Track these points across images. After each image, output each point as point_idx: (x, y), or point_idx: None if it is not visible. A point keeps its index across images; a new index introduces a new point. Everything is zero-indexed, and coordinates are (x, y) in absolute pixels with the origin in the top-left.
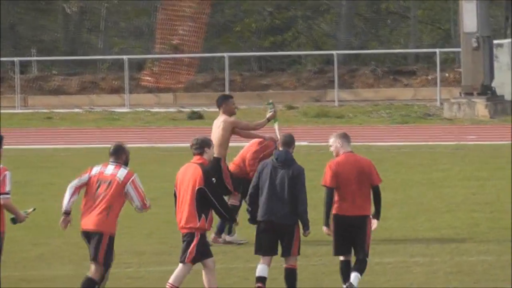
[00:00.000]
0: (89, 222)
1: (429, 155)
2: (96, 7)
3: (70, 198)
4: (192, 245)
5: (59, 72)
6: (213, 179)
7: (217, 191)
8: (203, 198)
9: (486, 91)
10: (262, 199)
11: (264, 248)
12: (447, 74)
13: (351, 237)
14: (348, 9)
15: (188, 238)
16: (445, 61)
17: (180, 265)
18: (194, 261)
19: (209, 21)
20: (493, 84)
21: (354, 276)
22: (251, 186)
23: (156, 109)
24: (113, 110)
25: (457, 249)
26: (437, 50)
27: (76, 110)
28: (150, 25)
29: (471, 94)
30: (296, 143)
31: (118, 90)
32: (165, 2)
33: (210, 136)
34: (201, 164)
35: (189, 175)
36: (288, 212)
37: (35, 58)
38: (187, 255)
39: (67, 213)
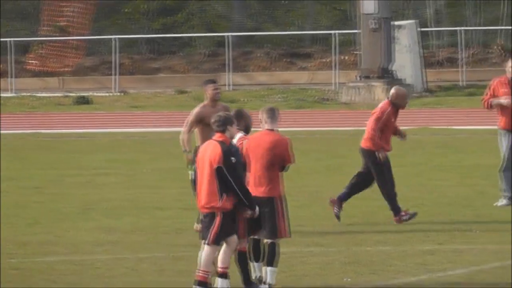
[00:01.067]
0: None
1: (325, 142)
2: None
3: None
4: (215, 226)
5: None
6: (233, 158)
7: (236, 172)
8: (222, 177)
9: (385, 74)
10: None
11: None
12: (344, 57)
13: (258, 219)
14: None
15: (209, 218)
16: (343, 44)
17: (206, 247)
18: (217, 241)
19: (97, 2)
20: (392, 67)
21: (265, 272)
22: None
23: (42, 94)
24: None
25: (353, 239)
26: (335, 32)
27: None
28: (36, 6)
29: (369, 77)
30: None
31: (2, 74)
32: None
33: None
34: (221, 142)
35: (208, 152)
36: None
37: None
38: (210, 236)
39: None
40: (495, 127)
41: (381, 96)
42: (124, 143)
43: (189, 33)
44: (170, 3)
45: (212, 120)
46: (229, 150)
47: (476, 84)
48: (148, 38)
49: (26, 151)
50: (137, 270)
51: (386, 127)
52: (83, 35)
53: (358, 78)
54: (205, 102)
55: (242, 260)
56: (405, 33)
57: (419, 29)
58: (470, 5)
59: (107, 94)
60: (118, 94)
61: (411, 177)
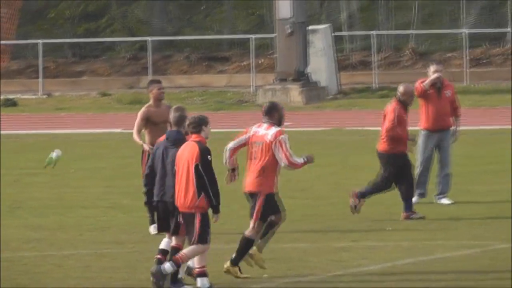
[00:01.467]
0: (249, 183)
1: None
2: None
3: (230, 158)
4: (197, 225)
5: None
6: (209, 156)
7: (211, 171)
8: (199, 175)
9: (300, 77)
10: (157, 179)
11: (162, 226)
12: (261, 60)
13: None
14: None
15: (189, 217)
16: (260, 47)
17: (193, 246)
18: (202, 240)
19: (22, 7)
20: (307, 70)
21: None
22: (147, 167)
23: None
24: None
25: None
26: (252, 36)
27: None
28: None
29: (285, 80)
30: (110, 130)
31: None
32: None
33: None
34: (198, 142)
35: (186, 153)
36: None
37: None
38: (195, 237)
39: (232, 169)
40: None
41: (297, 98)
42: (50, 144)
43: (111, 37)
44: (93, 9)
45: (187, 122)
46: (206, 149)
47: (388, 87)
48: (72, 42)
49: None
50: (62, 267)
51: (400, 125)
52: (9, 40)
53: (275, 81)
54: (150, 102)
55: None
56: (320, 37)
57: (333, 33)
58: (383, 10)
59: (33, 97)
60: (44, 96)
61: (326, 176)
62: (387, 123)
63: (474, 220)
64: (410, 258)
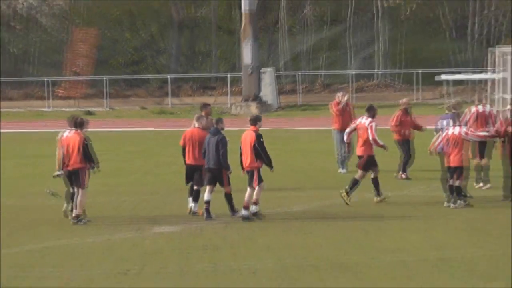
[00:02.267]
0: (358, 150)
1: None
2: None
3: (347, 137)
4: (255, 176)
5: None
6: (261, 139)
7: (263, 147)
8: (257, 151)
9: (256, 98)
10: (206, 154)
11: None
12: (234, 89)
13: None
14: None
15: (250, 172)
16: (233, 81)
17: (249, 189)
18: (258, 184)
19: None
20: (260, 94)
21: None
22: (203, 149)
23: None
24: None
25: None
26: (228, 74)
27: None
28: None
29: (248, 100)
30: (147, 129)
31: None
32: None
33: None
34: (254, 131)
35: (248, 137)
36: (217, 161)
37: None
38: (254, 182)
39: (348, 144)
40: (319, 128)
41: (254, 111)
42: (112, 136)
43: (147, 74)
44: (136, 59)
45: (249, 118)
46: (259, 135)
47: (308, 104)
48: (124, 78)
49: None
50: None
51: (402, 123)
52: (88, 75)
53: (242, 101)
54: (202, 114)
55: (229, 199)
56: (268, 75)
57: (275, 73)
58: (304, 59)
59: (102, 109)
60: (109, 109)
61: (283, 155)
62: (392, 122)
63: None
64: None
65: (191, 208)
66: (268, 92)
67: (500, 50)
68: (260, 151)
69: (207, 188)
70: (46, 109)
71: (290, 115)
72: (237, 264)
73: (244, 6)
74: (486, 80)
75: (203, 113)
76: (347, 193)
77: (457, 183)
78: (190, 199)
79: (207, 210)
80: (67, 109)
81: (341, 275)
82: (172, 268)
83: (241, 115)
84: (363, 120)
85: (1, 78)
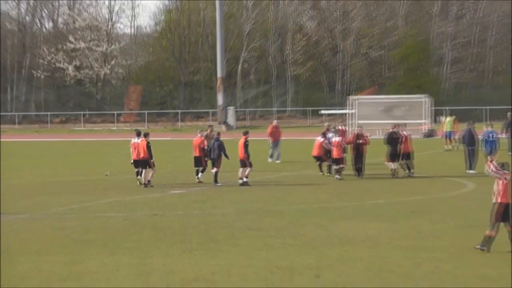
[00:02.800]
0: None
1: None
2: None
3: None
4: (247, 163)
5: None
6: (247, 143)
7: (247, 147)
8: (245, 148)
9: (225, 123)
10: (212, 151)
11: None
12: (214, 117)
13: None
14: None
15: (242, 160)
16: (213, 113)
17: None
18: (250, 166)
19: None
20: (227, 120)
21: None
22: (208, 148)
23: None
24: None
25: None
26: (210, 110)
27: None
28: None
29: (221, 123)
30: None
31: None
32: None
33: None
34: (244, 138)
35: (240, 141)
36: (217, 154)
37: None
38: (247, 165)
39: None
40: (259, 138)
41: (223, 129)
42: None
43: (173, 110)
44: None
45: (243, 132)
46: (246, 141)
47: (252, 125)
48: (153, 112)
49: None
50: None
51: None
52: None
53: (217, 124)
54: (207, 132)
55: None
56: (230, 111)
57: (235, 110)
58: (250, 102)
59: (142, 128)
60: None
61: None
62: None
63: None
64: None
65: (198, 178)
66: (231, 119)
67: (352, 98)
68: (245, 149)
69: (212, 169)
70: (114, 128)
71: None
72: (214, 211)
73: (218, 73)
74: (346, 114)
75: (208, 130)
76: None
77: (336, 167)
78: (199, 175)
79: (215, 179)
80: (126, 128)
81: (271, 217)
82: (180, 212)
83: (219, 131)
84: (320, 138)
85: (89, 112)
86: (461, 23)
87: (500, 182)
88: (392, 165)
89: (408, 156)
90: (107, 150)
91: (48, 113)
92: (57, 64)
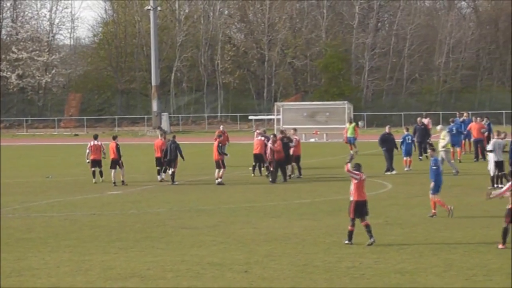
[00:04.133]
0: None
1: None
2: None
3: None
4: (221, 164)
5: None
6: (220, 143)
7: (221, 149)
8: (219, 151)
9: (159, 128)
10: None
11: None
12: (149, 123)
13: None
14: None
15: (217, 161)
16: (148, 119)
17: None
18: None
19: None
20: (161, 125)
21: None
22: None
23: None
24: None
25: None
26: (145, 116)
27: None
28: None
29: (155, 128)
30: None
31: None
32: None
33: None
34: (218, 141)
35: (215, 144)
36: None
37: None
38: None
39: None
40: (194, 142)
41: (158, 134)
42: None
43: None
44: None
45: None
46: (218, 144)
47: (184, 131)
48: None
49: None
50: None
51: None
52: None
53: (152, 129)
54: (221, 138)
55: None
56: (165, 116)
57: (168, 116)
58: (183, 109)
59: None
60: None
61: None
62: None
63: None
64: None
65: (160, 177)
66: (165, 124)
67: (278, 104)
68: (219, 151)
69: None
70: (55, 133)
71: (176, 136)
72: (149, 210)
73: (153, 82)
74: (272, 119)
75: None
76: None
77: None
78: (161, 174)
79: (173, 178)
80: (66, 133)
81: (202, 215)
82: (117, 211)
83: (151, 136)
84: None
85: (31, 118)
86: (379, 35)
87: (354, 182)
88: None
89: (298, 158)
90: (49, 153)
91: None
92: (1, 73)
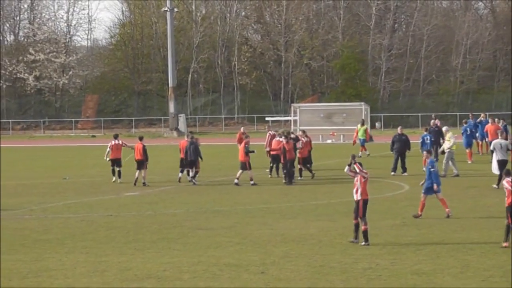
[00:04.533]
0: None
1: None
2: None
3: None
4: (246, 165)
5: None
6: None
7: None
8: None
9: (176, 129)
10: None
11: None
12: (166, 124)
13: None
14: None
15: (243, 163)
16: (166, 120)
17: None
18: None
19: None
20: (178, 127)
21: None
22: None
23: None
24: None
25: None
26: (162, 118)
27: None
28: None
29: (172, 129)
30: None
31: None
32: None
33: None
34: (245, 143)
35: (241, 146)
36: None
37: None
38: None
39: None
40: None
41: (175, 135)
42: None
43: None
44: None
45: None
46: (246, 146)
47: (202, 132)
48: None
49: None
50: None
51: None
52: None
53: (169, 130)
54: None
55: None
56: (182, 118)
57: (185, 117)
58: (200, 110)
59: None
60: None
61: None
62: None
63: None
64: None
65: (188, 178)
66: (182, 125)
67: (294, 105)
68: (247, 152)
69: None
70: (72, 134)
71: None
72: (165, 211)
73: (170, 83)
74: (290, 120)
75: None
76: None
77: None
78: (183, 174)
79: (194, 178)
80: (83, 134)
81: (219, 217)
82: (134, 213)
83: (169, 137)
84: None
85: (48, 119)
86: (396, 36)
87: (362, 180)
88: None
89: (304, 160)
90: (66, 155)
91: (10, 120)
92: (18, 75)
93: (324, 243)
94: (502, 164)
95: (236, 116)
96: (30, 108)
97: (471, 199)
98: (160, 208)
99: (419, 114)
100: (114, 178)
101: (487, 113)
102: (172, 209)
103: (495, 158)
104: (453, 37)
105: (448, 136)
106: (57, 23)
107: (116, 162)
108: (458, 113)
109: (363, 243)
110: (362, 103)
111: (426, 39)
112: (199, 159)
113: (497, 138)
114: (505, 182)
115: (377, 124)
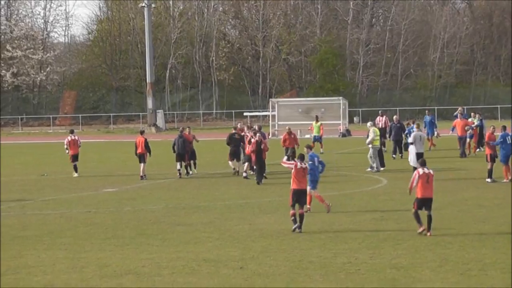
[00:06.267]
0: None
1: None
2: None
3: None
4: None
5: None
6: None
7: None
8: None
9: (155, 125)
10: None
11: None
12: (144, 120)
13: None
14: None
15: (247, 156)
16: (144, 116)
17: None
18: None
19: None
20: (156, 123)
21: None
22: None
23: None
24: None
25: None
26: (140, 114)
27: None
28: None
29: (150, 125)
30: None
31: None
32: None
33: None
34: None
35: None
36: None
37: None
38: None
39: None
40: None
41: (153, 131)
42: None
43: None
44: None
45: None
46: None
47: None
48: None
49: None
50: None
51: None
52: None
53: (147, 126)
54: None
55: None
56: (160, 114)
57: (163, 113)
58: (178, 106)
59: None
60: None
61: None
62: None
63: None
64: None
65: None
66: (160, 122)
67: (273, 100)
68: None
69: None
70: (50, 131)
71: (171, 133)
72: (144, 207)
73: (148, 79)
74: (268, 115)
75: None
76: None
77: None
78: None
79: (187, 170)
80: (61, 131)
81: (198, 212)
82: (113, 209)
83: (148, 133)
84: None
85: (26, 116)
86: (373, 30)
87: (293, 171)
88: (231, 164)
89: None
90: (44, 151)
91: None
92: None
93: (303, 237)
94: (420, 157)
95: (214, 111)
96: (8, 105)
97: (449, 193)
98: (139, 204)
99: (397, 108)
100: (75, 174)
101: (465, 107)
102: (151, 205)
103: (413, 150)
104: (430, 32)
105: (371, 130)
106: (34, 19)
107: (76, 157)
108: (436, 107)
109: (294, 227)
110: (340, 97)
111: (404, 34)
112: (188, 152)
113: (465, 134)
114: (416, 172)
115: (355, 119)
